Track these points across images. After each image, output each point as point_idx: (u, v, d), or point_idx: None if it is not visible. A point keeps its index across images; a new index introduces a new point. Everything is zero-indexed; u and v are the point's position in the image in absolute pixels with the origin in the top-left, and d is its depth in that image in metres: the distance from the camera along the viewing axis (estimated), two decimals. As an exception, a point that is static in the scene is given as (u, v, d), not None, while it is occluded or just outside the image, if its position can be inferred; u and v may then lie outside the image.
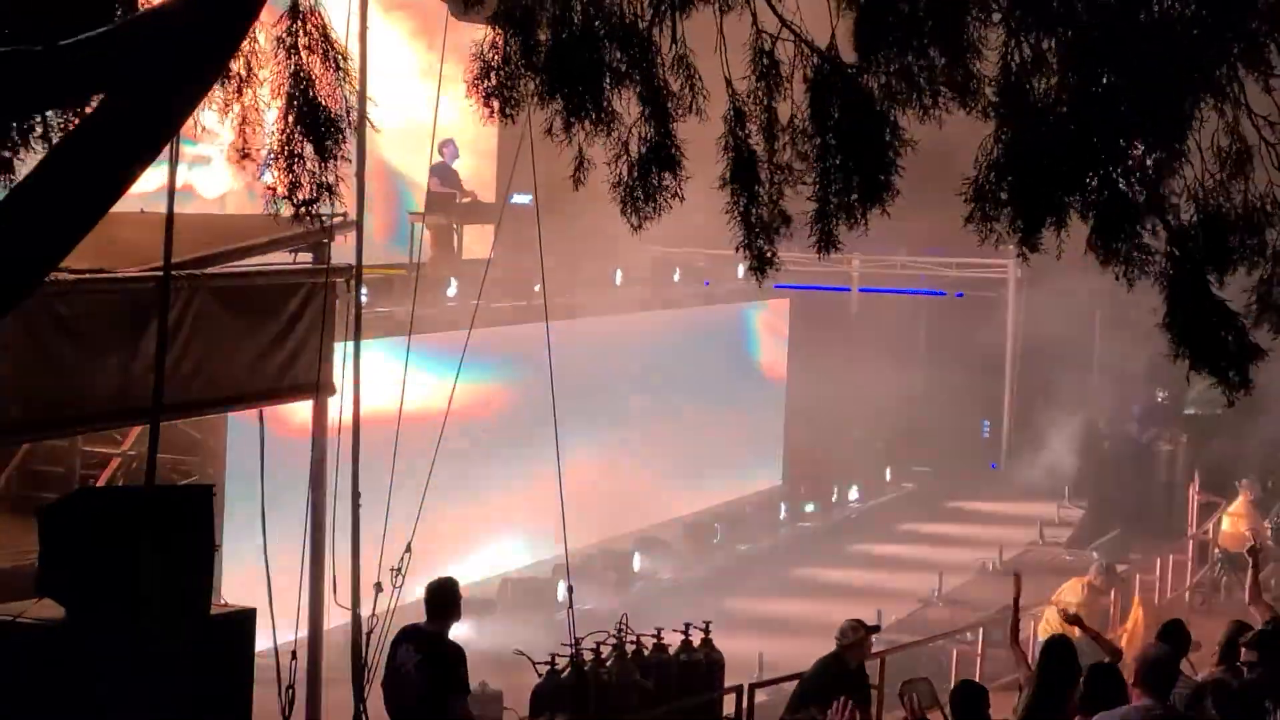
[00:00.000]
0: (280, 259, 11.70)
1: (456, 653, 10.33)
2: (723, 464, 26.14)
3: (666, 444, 24.24)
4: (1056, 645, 9.76)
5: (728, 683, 12.40)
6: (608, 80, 7.04)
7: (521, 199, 13.70)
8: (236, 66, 7.31)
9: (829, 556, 25.27)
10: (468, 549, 19.17)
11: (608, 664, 11.64)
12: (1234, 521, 22.65)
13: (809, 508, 27.21)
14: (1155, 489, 27.82)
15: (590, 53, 6.97)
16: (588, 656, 11.51)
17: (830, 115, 6.90)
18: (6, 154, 7.21)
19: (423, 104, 12.13)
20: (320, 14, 7.54)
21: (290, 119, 7.37)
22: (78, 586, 8.11)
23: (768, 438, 28.38)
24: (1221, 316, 6.70)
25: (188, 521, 8.31)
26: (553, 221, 12.65)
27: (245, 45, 7.24)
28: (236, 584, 11.97)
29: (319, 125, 7.38)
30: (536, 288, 13.58)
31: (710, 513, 25.16)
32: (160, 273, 8.56)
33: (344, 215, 11.54)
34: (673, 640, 12.21)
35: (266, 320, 11.14)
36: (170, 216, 8.17)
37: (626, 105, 7.16)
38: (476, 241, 20.48)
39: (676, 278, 25.38)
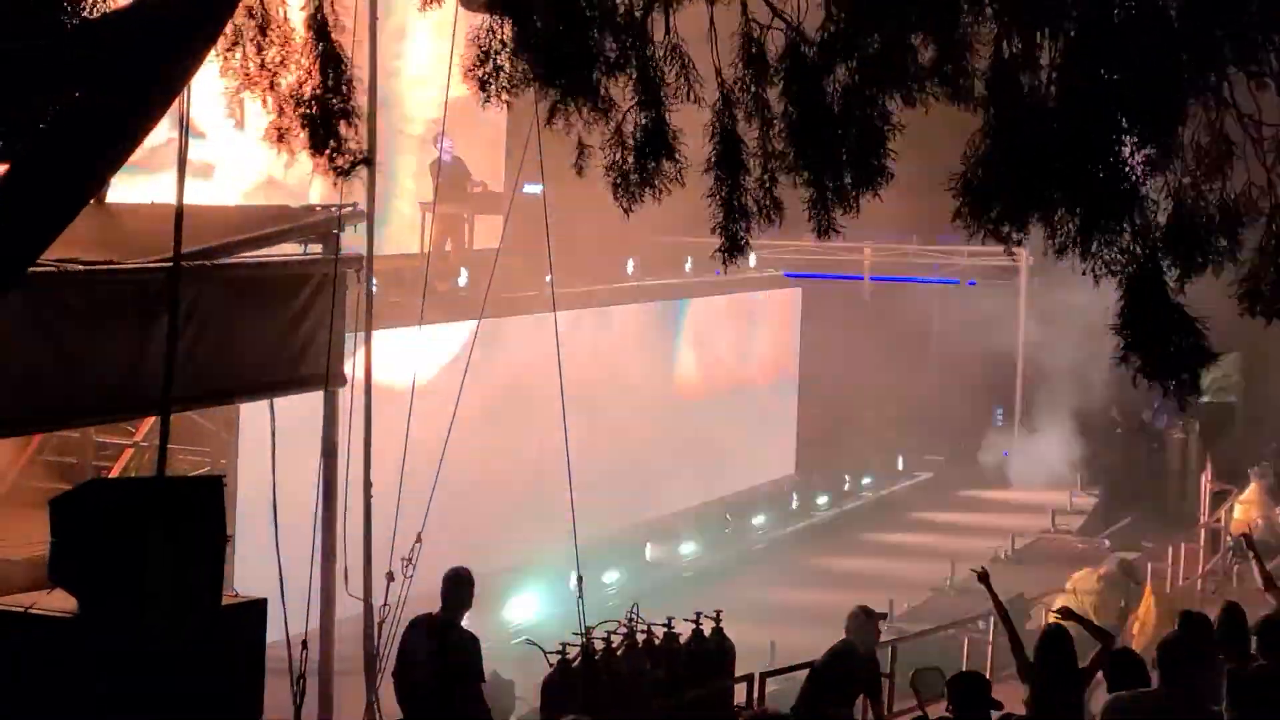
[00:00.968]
0: (290, 249, 11.72)
1: (469, 642, 10.34)
2: (735, 453, 26.13)
3: (678, 433, 24.23)
4: (1053, 636, 9.77)
5: (739, 671, 12.38)
6: (601, 67, 7.04)
7: (532, 189, 13.70)
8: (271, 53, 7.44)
9: (841, 545, 25.30)
10: (480, 538, 19.17)
11: (618, 653, 11.64)
12: (1246, 509, 22.63)
13: (821, 497, 27.21)
14: (1168, 477, 27.77)
15: (584, 39, 6.96)
16: (598, 646, 11.51)
17: (816, 100, 6.88)
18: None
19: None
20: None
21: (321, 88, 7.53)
22: (88, 578, 8.12)
23: (780, 426, 28.36)
24: (1177, 321, 6.57)
25: (197, 512, 8.31)
26: (563, 211, 12.64)
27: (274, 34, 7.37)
28: (249, 574, 11.98)
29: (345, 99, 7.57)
30: (548, 277, 13.57)
31: (722, 502, 25.17)
32: (170, 263, 8.54)
33: (354, 205, 11.60)
34: (684, 629, 12.21)
35: (277, 311, 11.14)
36: (180, 208, 8.15)
37: (623, 91, 7.16)
38: (486, 232, 20.50)
39: (689, 267, 25.39)
